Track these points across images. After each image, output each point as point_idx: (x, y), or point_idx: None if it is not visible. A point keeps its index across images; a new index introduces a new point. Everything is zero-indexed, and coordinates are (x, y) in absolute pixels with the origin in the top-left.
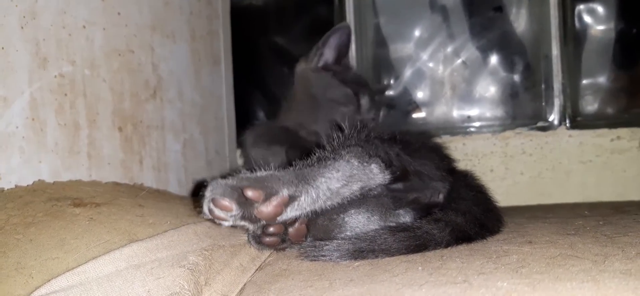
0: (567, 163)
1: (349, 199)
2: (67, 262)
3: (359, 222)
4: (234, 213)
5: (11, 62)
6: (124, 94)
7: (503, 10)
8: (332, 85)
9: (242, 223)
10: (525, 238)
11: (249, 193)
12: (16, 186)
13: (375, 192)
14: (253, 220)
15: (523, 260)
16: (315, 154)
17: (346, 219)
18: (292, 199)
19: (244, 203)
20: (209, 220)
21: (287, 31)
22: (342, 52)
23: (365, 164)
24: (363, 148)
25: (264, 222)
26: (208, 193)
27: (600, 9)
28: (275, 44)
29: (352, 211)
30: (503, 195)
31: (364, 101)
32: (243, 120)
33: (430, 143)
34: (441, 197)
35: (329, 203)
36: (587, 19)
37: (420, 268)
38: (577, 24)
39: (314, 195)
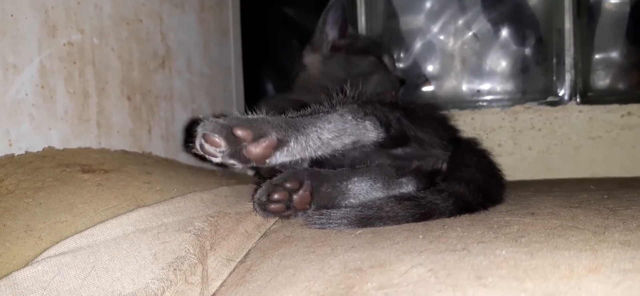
0: (576, 139)
1: (341, 151)
2: (75, 225)
3: (361, 190)
4: (222, 149)
5: (20, 29)
6: (133, 63)
7: None
8: (352, 62)
9: (231, 161)
10: (528, 209)
11: (238, 131)
12: (26, 152)
13: (380, 158)
14: (242, 159)
15: (523, 230)
16: (309, 107)
17: (349, 187)
18: (281, 143)
19: (233, 141)
20: (200, 156)
21: (296, 2)
22: (342, 24)
23: (358, 119)
24: (359, 107)
25: (253, 163)
26: (200, 129)
27: None
28: (285, 15)
29: (355, 179)
30: (510, 169)
31: (387, 59)
32: (252, 93)
33: (434, 113)
34: (443, 165)
35: (319, 152)
36: None
37: (420, 236)
38: None
39: (303, 142)
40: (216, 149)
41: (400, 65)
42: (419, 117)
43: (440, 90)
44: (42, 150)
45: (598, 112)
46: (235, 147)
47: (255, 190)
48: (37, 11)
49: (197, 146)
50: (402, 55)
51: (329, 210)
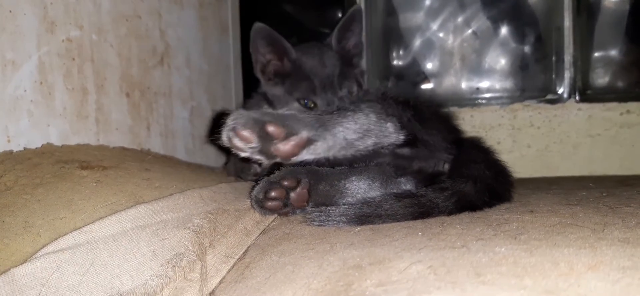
0: (575, 137)
1: (362, 153)
2: (74, 222)
3: (359, 189)
4: (253, 145)
5: (19, 25)
6: (132, 60)
7: None
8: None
9: (258, 156)
10: (527, 207)
11: (271, 128)
12: (25, 148)
13: (382, 157)
14: (270, 155)
15: (523, 228)
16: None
17: (347, 185)
18: (309, 142)
19: (264, 137)
20: (225, 148)
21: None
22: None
23: (382, 121)
24: (381, 106)
25: (278, 159)
26: (230, 122)
27: None
28: (284, 12)
29: (353, 178)
30: (509, 167)
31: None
32: (250, 89)
33: (439, 112)
34: (446, 166)
35: (342, 153)
36: None
37: (420, 233)
38: None
39: (330, 142)
40: (246, 144)
41: (400, 62)
42: (426, 117)
43: (439, 88)
44: (41, 146)
45: (597, 110)
46: (265, 144)
47: (253, 187)
48: (36, 7)
49: (225, 138)
50: (401, 52)
51: (328, 208)
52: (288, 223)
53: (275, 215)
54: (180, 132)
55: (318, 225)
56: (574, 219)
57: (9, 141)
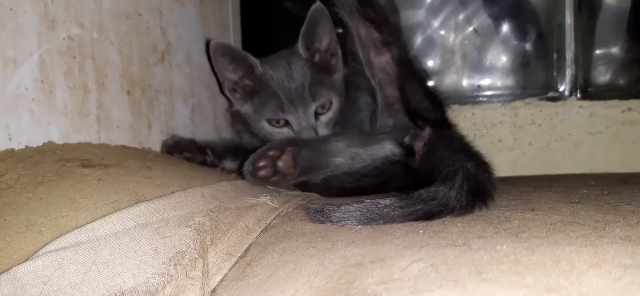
0: (577, 134)
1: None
2: (76, 220)
3: (339, 148)
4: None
5: (20, 23)
6: (133, 58)
7: None
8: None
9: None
10: (528, 205)
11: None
12: (26, 147)
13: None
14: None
15: (524, 225)
16: None
17: (328, 147)
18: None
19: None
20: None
21: None
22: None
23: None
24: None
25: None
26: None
27: None
28: (285, 10)
29: (332, 139)
30: (511, 165)
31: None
32: None
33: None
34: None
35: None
36: None
37: (421, 231)
38: None
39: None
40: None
41: None
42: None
43: (440, 86)
44: (42, 144)
45: (598, 107)
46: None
47: (242, 164)
48: (36, 5)
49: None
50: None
51: (332, 206)
52: (289, 221)
53: (267, 185)
54: (181, 130)
55: (321, 223)
56: (575, 217)
57: (10, 139)
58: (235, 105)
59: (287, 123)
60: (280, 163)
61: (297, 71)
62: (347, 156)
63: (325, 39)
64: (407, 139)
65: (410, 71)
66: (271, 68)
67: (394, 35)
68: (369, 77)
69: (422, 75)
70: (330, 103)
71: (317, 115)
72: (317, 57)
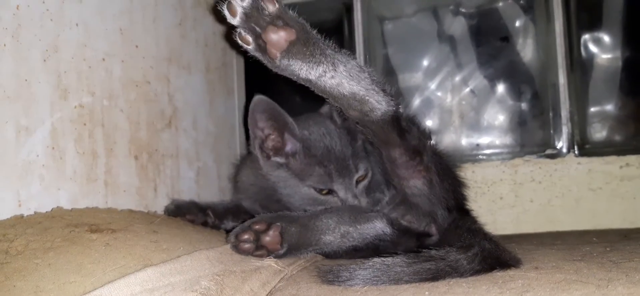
0: (577, 191)
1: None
2: (84, 286)
3: (329, 225)
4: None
5: (34, 93)
6: (141, 124)
7: (509, 40)
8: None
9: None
10: (531, 263)
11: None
12: (35, 212)
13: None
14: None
15: (528, 285)
16: None
17: (317, 223)
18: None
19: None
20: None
21: None
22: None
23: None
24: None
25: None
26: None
27: (606, 37)
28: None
29: (322, 216)
30: (513, 222)
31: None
32: None
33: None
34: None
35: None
36: (593, 47)
37: (427, 293)
38: (583, 52)
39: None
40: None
41: None
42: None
43: (440, 145)
44: (51, 210)
45: (597, 163)
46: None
47: (228, 233)
48: (50, 76)
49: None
50: (401, 110)
51: (341, 267)
52: (294, 284)
53: (249, 255)
54: (186, 193)
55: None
56: (578, 275)
57: (20, 205)
58: (263, 165)
59: (330, 191)
60: (266, 238)
61: (335, 139)
62: (337, 234)
63: None
64: (423, 226)
65: (441, 178)
66: (309, 133)
67: (433, 159)
68: (390, 174)
69: (452, 172)
70: (367, 171)
71: (356, 182)
72: (346, 123)
